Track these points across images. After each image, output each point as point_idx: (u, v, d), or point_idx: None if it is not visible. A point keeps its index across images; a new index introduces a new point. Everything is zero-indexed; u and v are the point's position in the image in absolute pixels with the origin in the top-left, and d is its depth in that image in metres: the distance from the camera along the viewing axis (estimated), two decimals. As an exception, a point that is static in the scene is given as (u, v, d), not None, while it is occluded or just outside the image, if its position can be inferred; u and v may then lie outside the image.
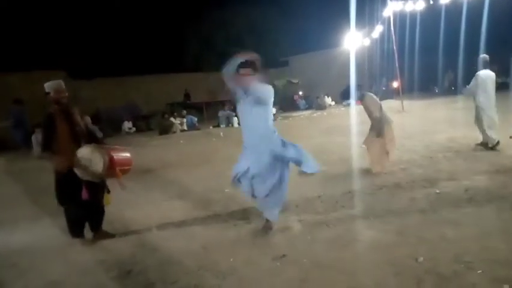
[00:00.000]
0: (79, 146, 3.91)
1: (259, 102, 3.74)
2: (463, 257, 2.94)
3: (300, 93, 22.83)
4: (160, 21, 26.08)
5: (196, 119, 17.90)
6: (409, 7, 14.14)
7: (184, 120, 17.53)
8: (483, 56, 6.90)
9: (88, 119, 14.03)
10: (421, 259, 3.00)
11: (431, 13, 14.95)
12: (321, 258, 3.23)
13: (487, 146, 6.68)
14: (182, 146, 12.42)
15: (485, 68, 6.76)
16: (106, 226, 4.37)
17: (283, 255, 3.32)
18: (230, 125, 17.08)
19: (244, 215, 4.54)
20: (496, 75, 6.95)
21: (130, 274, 3.29)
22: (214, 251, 3.60)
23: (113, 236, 4.26)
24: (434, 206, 4.23)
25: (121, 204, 5.20)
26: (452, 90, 20.10)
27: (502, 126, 6.92)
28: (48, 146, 3.92)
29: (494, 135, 6.62)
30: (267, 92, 3.81)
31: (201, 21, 27.52)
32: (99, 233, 4.26)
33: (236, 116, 16.70)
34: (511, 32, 15.82)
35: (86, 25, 23.78)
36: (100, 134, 14.45)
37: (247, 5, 27.27)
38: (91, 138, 4.17)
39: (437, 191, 4.72)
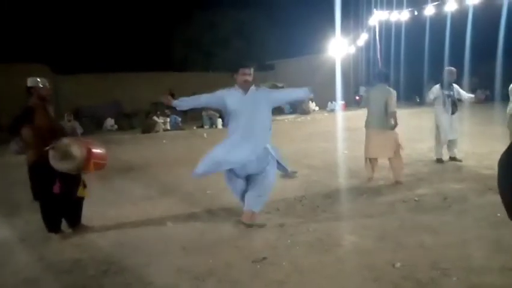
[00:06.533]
0: (55, 139, 3.85)
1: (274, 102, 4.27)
2: (440, 264, 2.99)
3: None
4: (148, 19, 25.89)
5: (180, 119, 17.79)
6: (394, 17, 14.39)
7: (168, 119, 17.40)
8: (448, 68, 6.90)
9: (69, 116, 13.79)
10: (398, 265, 3.03)
11: (416, 24, 15.26)
12: (302, 261, 3.23)
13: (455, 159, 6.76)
14: (165, 146, 12.31)
15: (448, 80, 6.74)
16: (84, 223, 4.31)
17: (264, 258, 3.31)
18: (214, 126, 17.04)
19: (225, 216, 4.51)
20: (477, 88, 7.09)
21: (107, 273, 3.22)
22: (194, 252, 3.56)
23: (92, 228, 4.24)
24: (412, 213, 4.30)
25: (101, 202, 5.12)
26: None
27: (481, 138, 7.07)
28: (15, 129, 3.87)
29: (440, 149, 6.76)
30: None
31: (189, 22, 27.41)
32: (79, 227, 4.22)
33: (220, 117, 16.67)
34: (495, 44, 16.25)
35: (71, 18, 23.37)
36: (80, 130, 14.26)
37: (235, 8, 27.33)
38: (66, 134, 4.15)
39: (416, 199, 4.79)
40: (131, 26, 25.52)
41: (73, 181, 4.00)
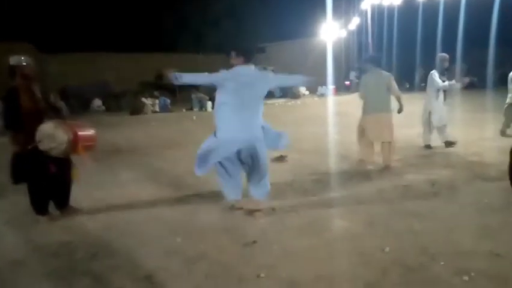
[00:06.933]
0: (42, 122, 3.75)
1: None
2: (428, 249, 3.03)
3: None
4: (137, -2, 25.21)
5: (169, 100, 17.60)
6: (387, 1, 14.31)
7: (157, 101, 17.19)
8: (441, 54, 6.93)
9: (55, 96, 13.51)
10: (387, 250, 3.07)
11: (409, 9, 15.20)
12: (291, 245, 3.25)
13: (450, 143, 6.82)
14: (154, 128, 12.20)
15: (442, 66, 6.74)
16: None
17: (254, 242, 3.32)
18: (203, 108, 16.90)
19: (215, 199, 4.49)
20: (465, 74, 7.12)
21: (96, 257, 3.20)
22: (184, 235, 3.55)
23: (81, 211, 4.20)
24: (401, 199, 4.35)
25: (89, 184, 5.05)
26: (422, 86, 20.66)
27: (469, 124, 7.13)
28: (14, 124, 3.77)
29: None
30: None
31: (179, 1, 26.83)
32: (67, 209, 4.18)
33: (210, 99, 16.52)
34: (487, 31, 16.30)
35: (58, -5, 22.63)
36: (66, 111, 13.99)
37: (226, -12, 26.82)
38: (54, 115, 4.03)
39: (405, 184, 4.84)
40: (120, 5, 24.88)
41: (63, 164, 3.93)
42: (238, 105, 3.81)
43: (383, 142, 5.72)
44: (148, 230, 3.74)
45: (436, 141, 6.91)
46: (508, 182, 4.60)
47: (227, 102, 3.87)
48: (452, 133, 6.96)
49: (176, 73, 3.83)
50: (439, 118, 6.71)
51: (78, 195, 4.41)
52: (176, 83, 3.96)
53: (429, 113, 6.78)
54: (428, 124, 6.84)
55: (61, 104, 13.93)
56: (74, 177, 4.12)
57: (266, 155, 4.11)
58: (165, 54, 23.64)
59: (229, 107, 3.84)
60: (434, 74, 6.71)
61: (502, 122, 7.56)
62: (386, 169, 5.58)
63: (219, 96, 3.97)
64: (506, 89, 7.71)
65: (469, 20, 15.81)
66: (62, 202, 4.18)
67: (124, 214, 4.20)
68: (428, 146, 6.84)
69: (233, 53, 3.93)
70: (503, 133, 7.50)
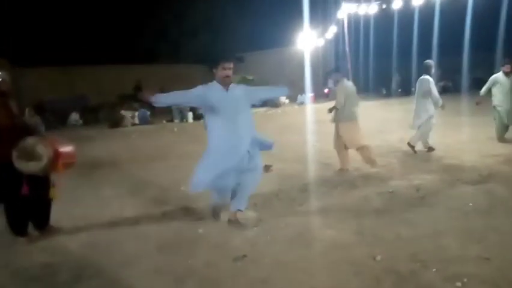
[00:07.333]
0: (18, 139, 3.60)
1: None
2: (418, 256, 3.04)
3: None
4: (113, 9, 24.89)
5: (148, 112, 17.34)
6: (362, 10, 14.59)
7: (136, 113, 16.94)
8: (426, 61, 7.08)
9: (30, 110, 13.14)
10: (379, 258, 3.06)
11: (385, 18, 15.55)
12: (282, 258, 3.20)
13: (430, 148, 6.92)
14: (135, 141, 11.99)
15: (426, 73, 6.85)
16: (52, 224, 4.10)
17: (244, 256, 3.25)
18: (184, 120, 16.73)
19: (201, 213, 4.41)
20: (439, 79, 7.23)
21: (79, 278, 3.07)
22: (171, 252, 3.46)
23: (61, 230, 4.05)
24: (388, 205, 4.36)
25: (69, 202, 4.88)
26: (398, 92, 21.12)
27: (449, 129, 7.26)
28: None
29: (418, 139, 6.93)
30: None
31: (157, 12, 26.66)
32: (47, 229, 4.01)
33: (191, 110, 16.41)
34: (461, 38, 16.84)
35: (31, 8, 22.13)
36: (42, 127, 13.62)
37: (203, -1, 26.84)
38: (31, 132, 3.89)
39: (390, 190, 4.87)
40: (95, 17, 24.52)
41: (41, 182, 3.77)
42: (227, 125, 3.73)
43: (364, 146, 5.93)
44: (133, 248, 3.62)
45: (418, 145, 7.03)
46: (489, 185, 4.70)
47: (214, 122, 3.80)
48: (431, 136, 7.07)
49: (156, 96, 3.62)
50: (434, 122, 6.89)
51: (57, 213, 4.23)
52: (156, 105, 3.76)
53: (430, 116, 6.80)
54: (428, 127, 6.88)
55: (37, 119, 13.59)
56: (54, 196, 3.96)
57: (261, 168, 4.11)
58: (144, 66, 23.39)
59: (217, 127, 3.77)
60: (432, 82, 6.81)
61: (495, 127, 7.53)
62: (373, 167, 5.89)
63: (206, 112, 3.95)
64: (478, 92, 7.89)
65: (442, 27, 16.32)
66: (41, 222, 4.02)
67: (107, 232, 4.07)
68: (430, 148, 6.90)
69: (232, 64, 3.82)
70: (501, 139, 7.36)
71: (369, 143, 6.11)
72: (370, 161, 5.99)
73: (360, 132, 5.98)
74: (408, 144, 6.90)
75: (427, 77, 6.80)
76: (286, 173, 6.14)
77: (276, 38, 25.03)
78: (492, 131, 7.55)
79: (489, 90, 7.56)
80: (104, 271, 3.18)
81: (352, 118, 5.88)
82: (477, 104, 7.71)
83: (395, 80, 22.72)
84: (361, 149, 5.95)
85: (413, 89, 7.30)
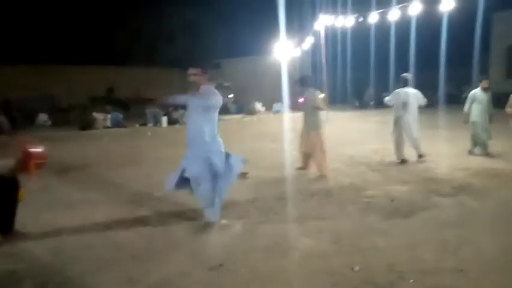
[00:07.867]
0: None
1: (208, 110, 4.07)
2: (395, 266, 3.04)
3: (230, 96, 22.82)
4: (88, 9, 24.30)
5: (121, 115, 16.96)
6: (339, 22, 14.83)
7: (108, 116, 16.53)
8: (403, 75, 7.32)
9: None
10: (357, 268, 3.05)
11: (361, 31, 15.87)
12: (259, 267, 3.14)
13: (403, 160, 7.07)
14: (106, 144, 11.67)
15: (404, 85, 7.11)
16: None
17: (220, 265, 3.17)
18: (158, 124, 16.46)
19: (176, 220, 4.30)
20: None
21: (47, 286, 2.90)
22: (145, 260, 3.33)
23: (27, 235, 3.84)
24: (363, 215, 4.39)
25: (37, 206, 4.66)
26: (370, 104, 21.62)
27: (423, 142, 7.40)
28: None
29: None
30: (216, 99, 4.12)
31: (133, 14, 26.24)
32: (12, 234, 3.78)
33: (165, 115, 16.18)
34: (437, 51, 17.42)
35: (2, 5, 21.27)
36: (8, 126, 13.06)
37: (182, 4, 26.64)
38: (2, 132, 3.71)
39: (365, 200, 4.91)
40: (69, 16, 23.86)
41: (8, 183, 3.57)
42: (188, 129, 4.15)
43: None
44: (103, 255, 3.46)
45: (391, 156, 7.17)
46: (461, 197, 4.82)
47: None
48: (406, 149, 7.22)
49: (164, 98, 4.35)
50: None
51: (24, 218, 4.01)
52: (166, 106, 4.28)
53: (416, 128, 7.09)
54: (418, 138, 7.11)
55: (2, 118, 13.02)
56: (21, 198, 3.76)
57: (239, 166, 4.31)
58: (117, 67, 22.93)
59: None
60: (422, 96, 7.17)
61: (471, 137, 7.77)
62: (323, 176, 6.16)
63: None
64: (452, 107, 8.16)
65: (418, 42, 16.82)
66: (6, 226, 3.79)
67: (76, 238, 3.88)
68: (403, 161, 7.03)
69: (199, 70, 3.95)
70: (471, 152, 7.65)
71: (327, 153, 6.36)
72: (322, 170, 6.25)
73: (323, 141, 6.32)
74: (419, 156, 7.10)
75: (416, 90, 7.15)
76: (263, 181, 6.10)
77: (254, 46, 25.17)
78: (464, 144, 7.80)
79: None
80: (72, 279, 3.02)
81: (322, 126, 6.39)
82: (465, 123, 7.87)
83: (368, 93, 23.26)
84: (318, 155, 6.27)
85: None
